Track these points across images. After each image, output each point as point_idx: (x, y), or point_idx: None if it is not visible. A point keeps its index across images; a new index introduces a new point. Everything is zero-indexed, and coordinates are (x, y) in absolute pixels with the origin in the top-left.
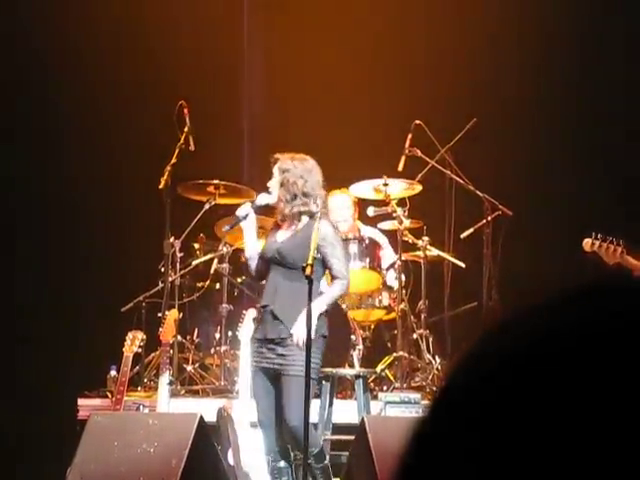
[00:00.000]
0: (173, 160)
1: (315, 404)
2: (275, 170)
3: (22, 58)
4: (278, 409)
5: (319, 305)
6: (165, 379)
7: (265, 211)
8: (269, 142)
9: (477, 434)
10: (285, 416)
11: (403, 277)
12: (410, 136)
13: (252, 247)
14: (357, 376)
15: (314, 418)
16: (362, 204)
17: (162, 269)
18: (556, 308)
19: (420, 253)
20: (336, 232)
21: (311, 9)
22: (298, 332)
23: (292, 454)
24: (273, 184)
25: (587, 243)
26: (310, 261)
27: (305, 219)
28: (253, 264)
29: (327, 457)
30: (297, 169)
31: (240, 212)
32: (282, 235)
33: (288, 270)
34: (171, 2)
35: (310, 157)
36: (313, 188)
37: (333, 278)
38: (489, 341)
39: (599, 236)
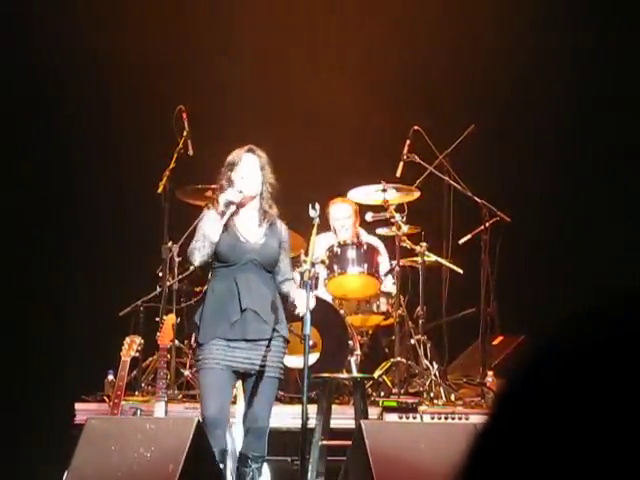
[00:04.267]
0: (172, 165)
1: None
2: (253, 162)
3: (23, 63)
4: (252, 409)
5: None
6: (162, 384)
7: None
8: (267, 147)
9: (545, 437)
10: (259, 415)
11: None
12: (408, 142)
13: (219, 234)
14: (355, 381)
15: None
16: (361, 210)
17: (160, 274)
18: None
19: (418, 259)
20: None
21: (307, 13)
22: (301, 303)
23: (250, 455)
24: (254, 177)
25: None
26: (308, 266)
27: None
28: (210, 250)
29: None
30: (271, 167)
31: (234, 197)
32: (252, 235)
33: (263, 271)
34: (170, 9)
35: None
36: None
37: (285, 279)
38: (553, 343)
39: None
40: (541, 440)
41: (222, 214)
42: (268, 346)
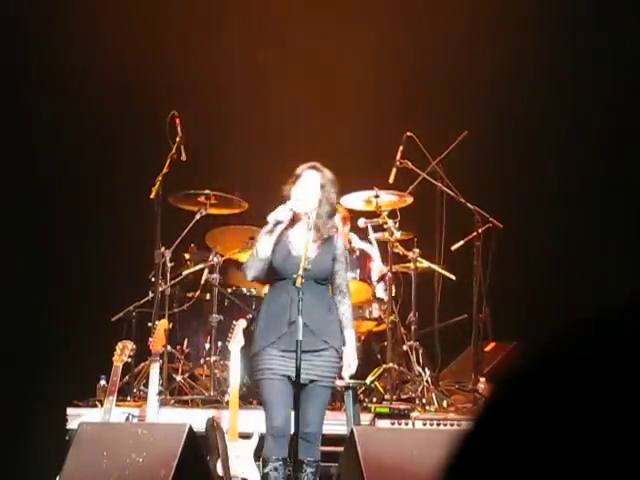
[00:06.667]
0: (164, 170)
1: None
2: (313, 179)
3: (7, 63)
4: (304, 415)
5: (353, 332)
6: (154, 389)
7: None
8: (261, 152)
9: (529, 447)
10: (311, 422)
11: (393, 289)
12: (401, 148)
13: (271, 249)
14: (347, 387)
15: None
16: (354, 215)
17: (152, 279)
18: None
19: (411, 265)
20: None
21: (303, 20)
22: (352, 364)
23: (305, 460)
24: (311, 194)
25: None
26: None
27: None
28: (261, 265)
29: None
30: (334, 186)
31: (282, 216)
32: (308, 249)
33: (315, 284)
34: (163, 17)
35: None
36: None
37: (339, 292)
38: (544, 351)
39: None
40: (525, 450)
41: (271, 232)
42: (320, 357)
